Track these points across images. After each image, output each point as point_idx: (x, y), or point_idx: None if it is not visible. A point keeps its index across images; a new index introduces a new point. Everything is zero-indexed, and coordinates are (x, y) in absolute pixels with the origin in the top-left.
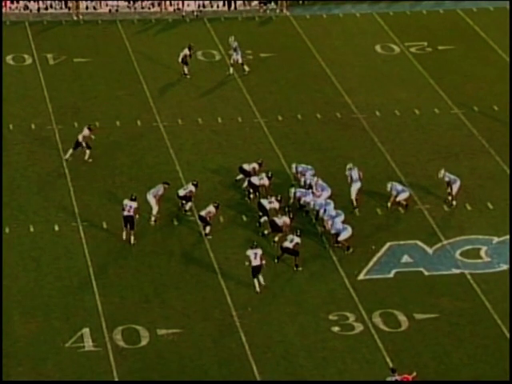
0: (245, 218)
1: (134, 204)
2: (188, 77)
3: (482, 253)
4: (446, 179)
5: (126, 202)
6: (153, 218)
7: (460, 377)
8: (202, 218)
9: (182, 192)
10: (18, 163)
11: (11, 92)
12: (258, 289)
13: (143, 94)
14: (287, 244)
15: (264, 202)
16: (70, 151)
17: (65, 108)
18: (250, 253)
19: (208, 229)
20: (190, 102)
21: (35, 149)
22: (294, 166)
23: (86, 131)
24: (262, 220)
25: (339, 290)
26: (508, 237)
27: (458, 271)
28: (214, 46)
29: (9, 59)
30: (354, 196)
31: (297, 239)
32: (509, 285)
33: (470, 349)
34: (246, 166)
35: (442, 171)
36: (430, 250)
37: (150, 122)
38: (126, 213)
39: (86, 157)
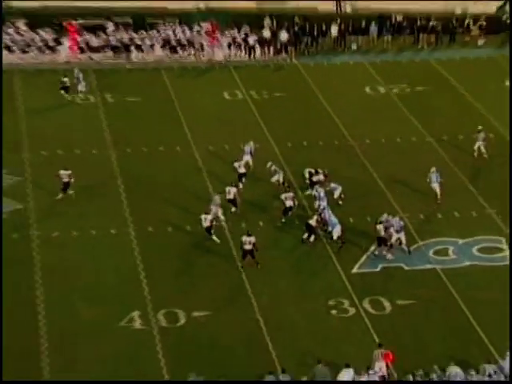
0: (260, 224)
1: (67, 172)
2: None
3: (450, 252)
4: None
5: (63, 172)
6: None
7: (433, 351)
8: (231, 201)
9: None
10: (83, 181)
11: (78, 124)
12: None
13: (181, 126)
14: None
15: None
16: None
17: (119, 136)
18: (245, 239)
19: (233, 209)
20: (218, 132)
21: (95, 170)
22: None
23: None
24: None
25: (336, 281)
26: (470, 239)
27: (430, 266)
28: (237, 87)
29: (76, 99)
30: (438, 191)
31: (316, 217)
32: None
33: (441, 328)
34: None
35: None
36: (408, 249)
37: (187, 149)
38: (64, 179)
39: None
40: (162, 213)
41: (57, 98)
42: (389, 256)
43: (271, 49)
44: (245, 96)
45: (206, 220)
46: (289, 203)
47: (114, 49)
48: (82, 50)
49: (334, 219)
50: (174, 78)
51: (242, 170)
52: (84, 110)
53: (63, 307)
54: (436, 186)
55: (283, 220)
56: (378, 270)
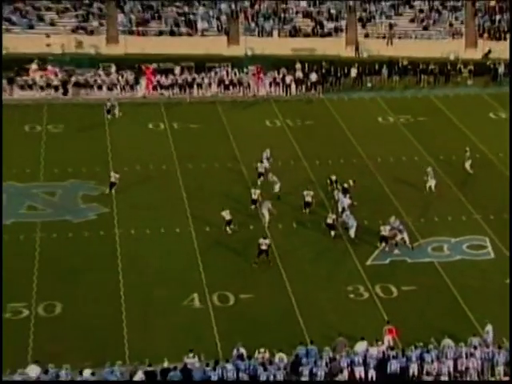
0: (294, 225)
1: (117, 175)
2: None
3: (445, 248)
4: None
5: (113, 174)
6: (267, 225)
7: (431, 327)
8: (254, 201)
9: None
10: (154, 190)
11: (152, 146)
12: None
13: (231, 147)
14: (329, 221)
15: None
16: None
17: (183, 155)
18: (261, 241)
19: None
20: (260, 152)
21: (164, 181)
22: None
23: None
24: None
25: (354, 271)
26: (461, 238)
27: (429, 259)
28: (276, 117)
29: (150, 125)
30: (433, 186)
31: (333, 216)
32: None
33: (437, 309)
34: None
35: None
36: (411, 246)
37: (236, 165)
38: (112, 179)
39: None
40: (216, 216)
41: (135, 126)
42: (396, 251)
43: (303, 86)
44: (282, 124)
45: (227, 215)
46: (308, 199)
47: (180, 87)
48: (155, 88)
49: (352, 221)
50: (226, 110)
51: (262, 170)
52: (156, 134)
53: (139, 289)
54: (432, 182)
55: (307, 212)
56: (387, 262)
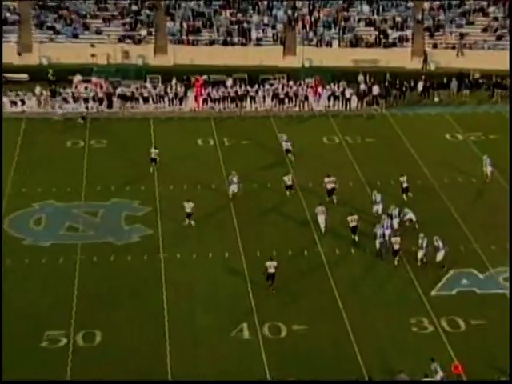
0: (352, 251)
1: (157, 151)
2: None
3: None
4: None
5: (153, 150)
6: (323, 231)
7: (500, 365)
8: (289, 186)
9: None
10: (202, 211)
11: (201, 163)
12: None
13: (285, 164)
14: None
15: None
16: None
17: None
18: (269, 264)
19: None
20: (317, 170)
21: (213, 202)
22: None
23: None
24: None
25: (417, 301)
26: None
27: (501, 291)
28: (335, 133)
29: (199, 141)
30: (489, 173)
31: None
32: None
33: (507, 344)
34: None
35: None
36: (481, 276)
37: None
38: (152, 155)
39: None
40: (267, 241)
41: (183, 142)
42: (464, 281)
43: (364, 101)
44: (341, 140)
45: (189, 208)
46: (330, 186)
47: (232, 100)
48: (204, 101)
49: (382, 230)
50: (281, 125)
51: (289, 147)
52: (205, 151)
53: (184, 317)
54: (488, 170)
55: (328, 200)
56: (454, 293)
